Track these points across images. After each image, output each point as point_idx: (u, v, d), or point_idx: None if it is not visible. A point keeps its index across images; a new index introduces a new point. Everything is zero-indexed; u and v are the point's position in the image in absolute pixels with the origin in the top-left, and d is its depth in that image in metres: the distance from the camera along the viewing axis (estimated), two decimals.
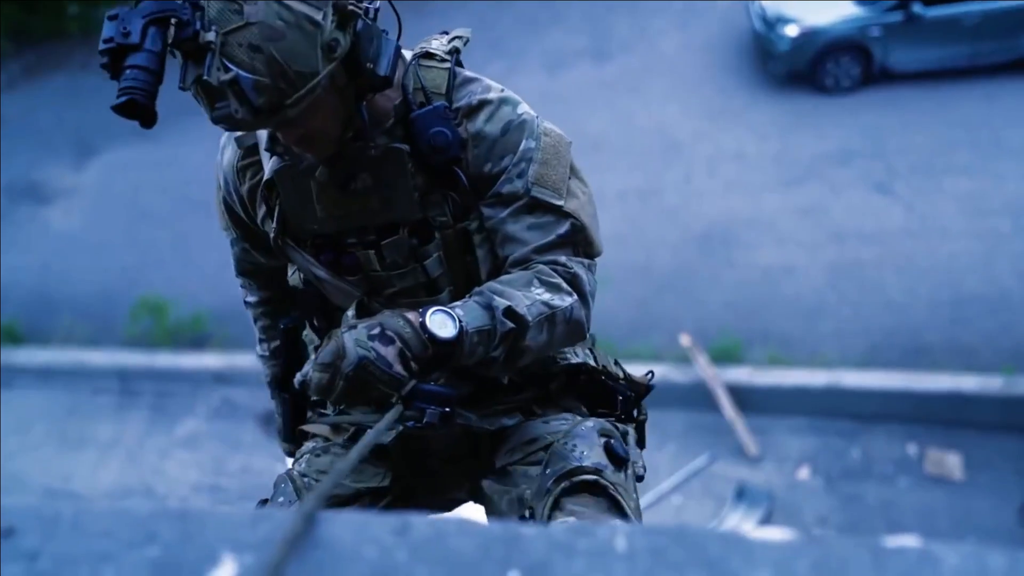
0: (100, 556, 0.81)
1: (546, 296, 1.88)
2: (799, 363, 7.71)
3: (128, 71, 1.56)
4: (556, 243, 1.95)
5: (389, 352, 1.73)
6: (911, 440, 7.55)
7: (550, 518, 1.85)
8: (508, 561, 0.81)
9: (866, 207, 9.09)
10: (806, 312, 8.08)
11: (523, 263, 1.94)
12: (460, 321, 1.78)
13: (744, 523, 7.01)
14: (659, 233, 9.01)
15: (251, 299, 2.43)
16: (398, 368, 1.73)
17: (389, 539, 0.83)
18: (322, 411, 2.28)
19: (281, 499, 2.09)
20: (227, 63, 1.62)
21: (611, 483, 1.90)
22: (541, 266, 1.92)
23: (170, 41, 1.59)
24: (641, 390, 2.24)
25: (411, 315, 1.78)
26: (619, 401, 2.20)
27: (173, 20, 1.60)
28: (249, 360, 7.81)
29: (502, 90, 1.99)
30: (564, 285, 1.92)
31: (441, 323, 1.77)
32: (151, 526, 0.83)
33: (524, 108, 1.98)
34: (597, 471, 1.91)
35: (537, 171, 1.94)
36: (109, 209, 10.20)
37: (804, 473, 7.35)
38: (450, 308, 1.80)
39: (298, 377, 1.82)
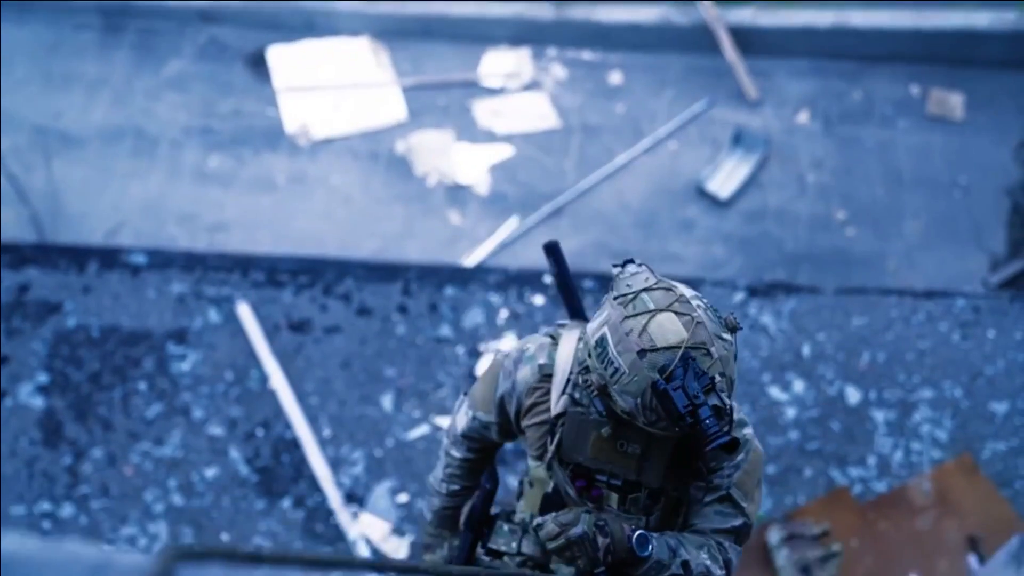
0: None
1: (708, 563, 2.60)
2: (805, 2, 7.43)
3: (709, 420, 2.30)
4: (728, 531, 2.69)
5: (602, 542, 2.49)
6: (914, 81, 7.42)
7: None
8: None
9: None
10: None
11: (701, 533, 2.68)
12: (653, 549, 2.52)
13: (740, 168, 7.00)
14: None
15: (456, 454, 3.09)
16: (599, 555, 2.49)
17: None
18: (496, 550, 2.92)
19: None
20: (722, 390, 2.36)
21: None
22: (713, 541, 2.66)
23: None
24: None
25: (627, 528, 2.54)
26: None
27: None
28: None
29: (740, 410, 2.71)
30: (720, 560, 2.64)
31: (641, 543, 2.52)
32: None
33: (749, 431, 2.71)
34: None
35: (739, 477, 2.66)
36: None
37: (803, 117, 7.26)
38: (651, 535, 2.54)
39: (538, 520, 2.62)
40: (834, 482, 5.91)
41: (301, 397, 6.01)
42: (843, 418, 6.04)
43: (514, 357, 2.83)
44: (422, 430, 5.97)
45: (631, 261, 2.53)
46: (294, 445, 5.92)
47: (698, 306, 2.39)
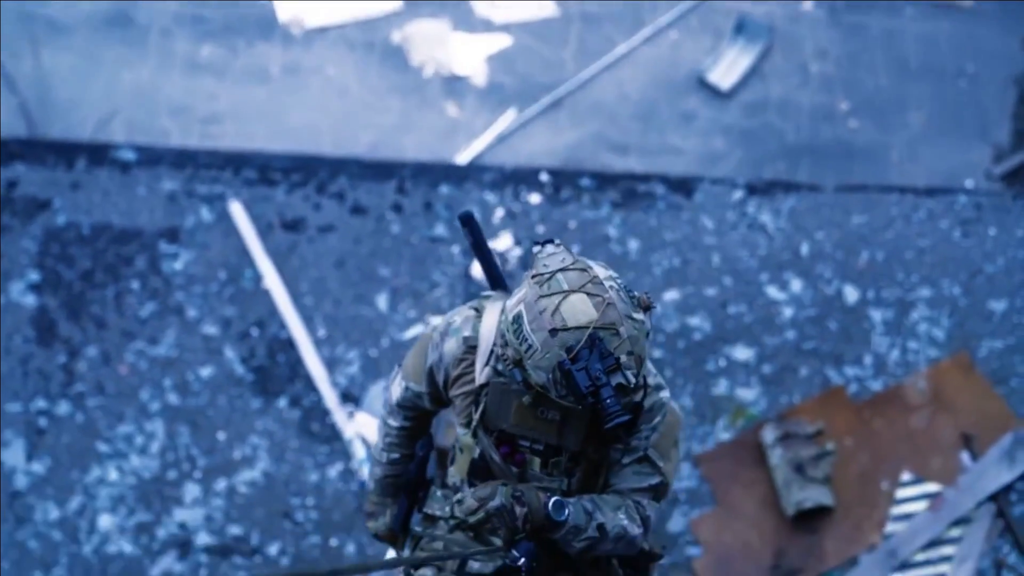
0: None
1: (625, 523, 2.77)
2: None
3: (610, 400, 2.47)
4: (646, 489, 2.85)
5: (520, 511, 2.66)
6: None
7: None
8: None
9: None
10: None
11: (619, 493, 2.84)
12: (569, 513, 2.67)
13: (742, 58, 6.84)
14: None
15: (393, 423, 3.19)
16: (518, 523, 2.66)
17: None
18: (431, 514, 3.04)
19: None
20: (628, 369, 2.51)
21: None
22: (630, 501, 2.83)
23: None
24: (657, 559, 3.10)
25: (543, 496, 2.69)
26: (644, 569, 3.09)
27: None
28: None
29: (656, 375, 2.86)
30: (637, 519, 2.81)
31: (557, 508, 2.66)
32: None
33: (665, 394, 2.85)
34: None
35: (656, 439, 2.82)
36: None
37: (808, 4, 7.07)
38: (566, 501, 2.69)
39: (459, 495, 2.80)
40: (830, 381, 5.91)
41: (295, 297, 5.98)
42: (840, 317, 6.02)
43: (441, 330, 2.96)
44: (417, 330, 5.95)
45: (551, 241, 2.68)
46: (289, 345, 5.91)
47: (611, 287, 2.54)
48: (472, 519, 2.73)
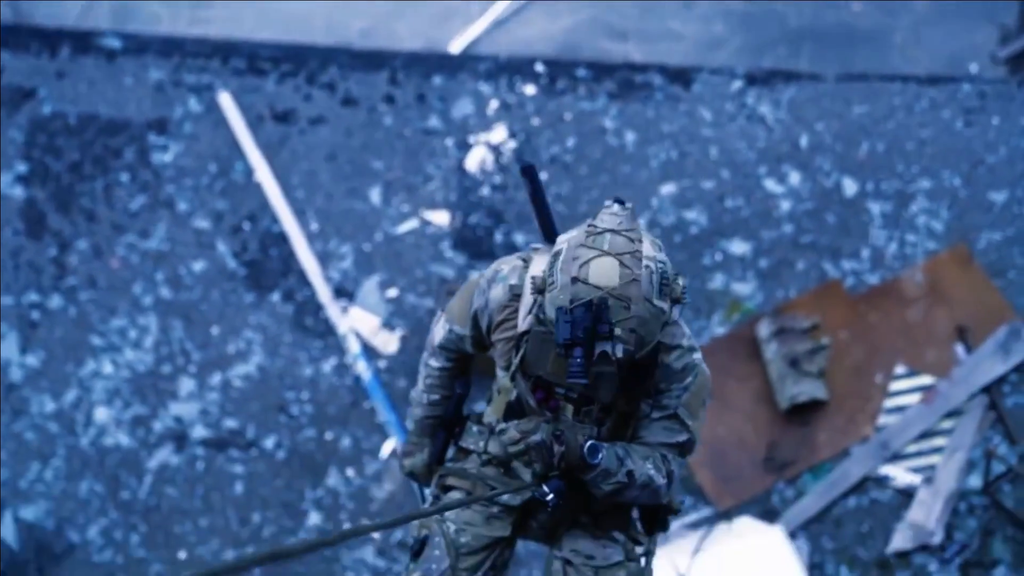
0: None
1: (652, 472, 2.90)
2: None
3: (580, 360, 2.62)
4: (673, 445, 2.97)
5: (557, 450, 2.76)
6: None
7: None
8: None
9: None
10: None
11: (648, 446, 2.96)
12: (602, 458, 2.79)
13: None
14: None
15: (435, 364, 3.29)
16: (553, 461, 2.79)
17: None
18: (466, 448, 3.23)
19: (437, 552, 3.03)
20: (619, 343, 2.63)
21: None
22: (658, 454, 2.95)
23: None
24: (675, 512, 3.24)
25: (581, 438, 2.78)
26: (662, 521, 3.23)
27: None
28: None
29: (690, 337, 2.97)
30: (663, 470, 2.93)
31: (592, 452, 2.77)
32: None
33: (698, 355, 2.96)
34: None
35: (687, 399, 2.94)
36: None
37: None
38: (601, 445, 2.80)
39: (502, 425, 3.05)
40: (827, 275, 5.88)
41: (287, 190, 5.90)
42: (839, 210, 5.95)
43: (488, 277, 3.08)
44: (411, 224, 5.89)
45: (621, 202, 2.78)
46: (282, 239, 5.85)
47: (647, 267, 2.67)
48: (512, 449, 2.98)
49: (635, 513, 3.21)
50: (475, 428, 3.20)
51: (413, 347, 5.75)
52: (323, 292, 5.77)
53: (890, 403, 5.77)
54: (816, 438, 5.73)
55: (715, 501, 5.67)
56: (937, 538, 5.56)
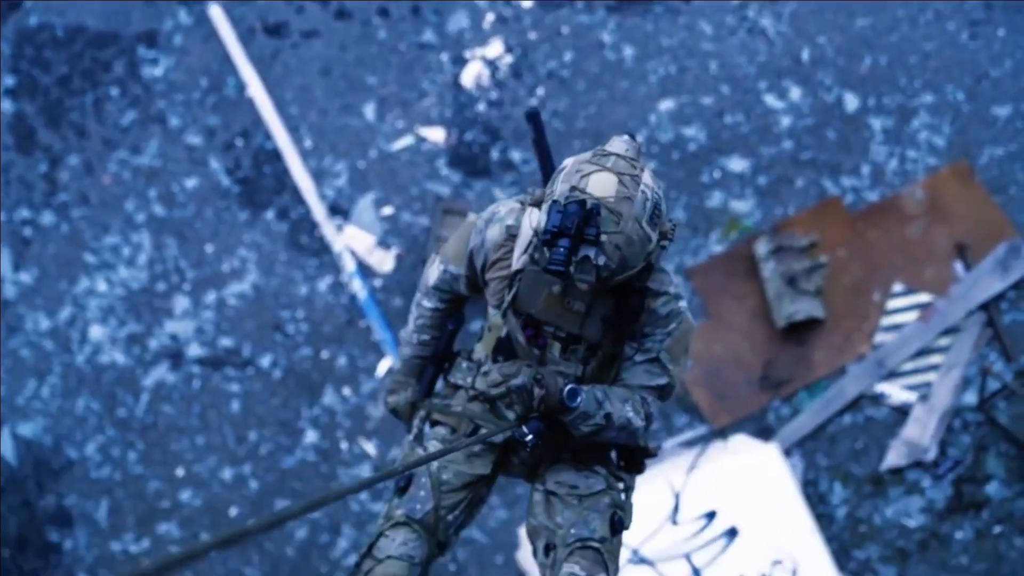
0: None
1: (630, 414, 3.01)
2: None
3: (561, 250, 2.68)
4: (653, 388, 3.08)
5: (537, 393, 2.87)
6: None
7: (565, 560, 3.02)
8: None
9: None
10: None
11: (629, 387, 3.06)
12: (581, 401, 2.89)
13: None
14: None
15: (427, 304, 3.37)
16: (533, 404, 2.88)
17: None
18: (455, 384, 3.30)
19: (422, 493, 3.11)
20: (602, 254, 2.70)
21: (606, 551, 3.06)
22: (637, 396, 3.05)
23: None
24: (651, 455, 3.31)
25: (560, 381, 2.90)
26: (639, 463, 3.29)
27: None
28: None
29: (677, 286, 3.06)
30: (642, 413, 3.05)
31: (571, 395, 2.88)
32: None
33: (683, 304, 3.06)
34: (601, 541, 3.06)
35: (669, 344, 3.05)
36: None
37: None
38: (580, 389, 2.90)
39: (487, 367, 3.16)
40: (826, 192, 5.82)
41: (280, 106, 5.81)
42: (839, 126, 5.87)
43: (486, 217, 3.16)
44: (406, 141, 5.81)
45: (633, 136, 2.87)
46: (275, 156, 5.78)
47: (643, 192, 2.77)
48: (494, 391, 3.11)
49: (613, 455, 3.31)
50: (464, 364, 3.28)
51: (408, 265, 5.72)
52: (318, 210, 5.72)
53: (887, 321, 5.76)
54: (812, 356, 5.73)
55: (711, 419, 5.69)
56: (931, 454, 5.60)
